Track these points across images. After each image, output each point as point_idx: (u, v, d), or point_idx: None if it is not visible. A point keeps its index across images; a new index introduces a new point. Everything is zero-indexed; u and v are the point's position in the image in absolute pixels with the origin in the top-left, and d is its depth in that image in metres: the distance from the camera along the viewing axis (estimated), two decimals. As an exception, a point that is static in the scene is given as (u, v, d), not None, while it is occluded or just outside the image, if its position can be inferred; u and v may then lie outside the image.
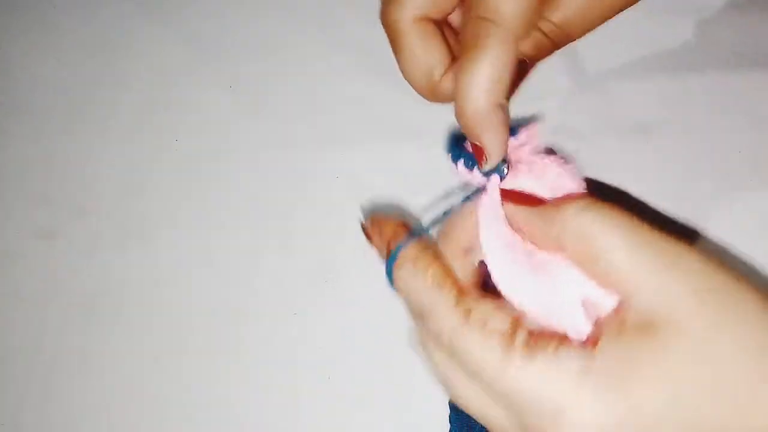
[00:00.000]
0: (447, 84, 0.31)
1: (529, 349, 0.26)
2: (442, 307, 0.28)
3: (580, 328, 0.27)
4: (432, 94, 0.32)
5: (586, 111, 0.43)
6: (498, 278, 0.29)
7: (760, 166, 0.41)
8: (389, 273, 0.31)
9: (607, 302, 0.27)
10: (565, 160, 0.31)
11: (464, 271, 0.30)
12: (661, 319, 0.25)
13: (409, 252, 0.30)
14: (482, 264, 0.30)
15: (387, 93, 0.45)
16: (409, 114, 0.44)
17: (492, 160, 0.30)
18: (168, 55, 0.47)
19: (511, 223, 0.30)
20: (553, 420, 0.25)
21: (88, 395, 0.41)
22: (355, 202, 0.43)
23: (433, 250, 0.30)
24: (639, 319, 0.25)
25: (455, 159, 0.32)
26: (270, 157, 0.44)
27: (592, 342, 0.26)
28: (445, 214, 0.31)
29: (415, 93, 0.42)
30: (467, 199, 0.31)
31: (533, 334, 0.27)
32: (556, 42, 0.30)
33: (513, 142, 0.31)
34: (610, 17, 0.31)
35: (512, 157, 0.31)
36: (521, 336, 0.26)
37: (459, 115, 0.29)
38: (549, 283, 0.28)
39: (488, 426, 0.29)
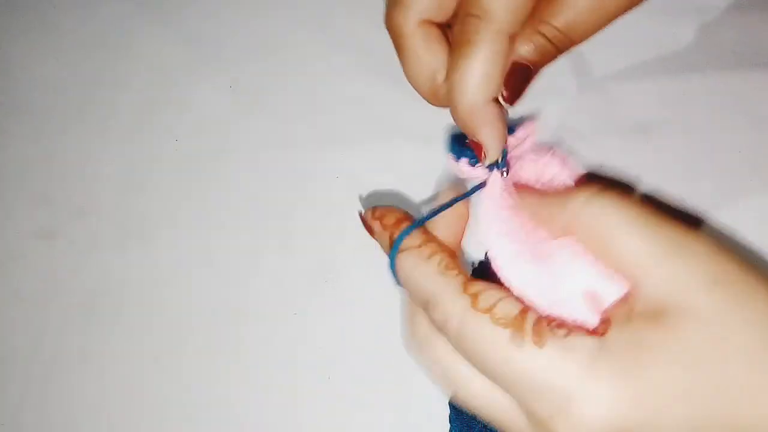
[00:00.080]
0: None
1: (538, 335, 0.26)
2: (449, 293, 0.28)
3: (584, 318, 0.27)
4: (435, 97, 0.32)
5: (587, 111, 0.43)
6: (501, 271, 0.29)
7: (760, 166, 0.41)
8: (392, 261, 0.31)
9: (614, 290, 0.27)
10: (565, 156, 0.31)
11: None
12: (670, 305, 0.25)
13: (413, 240, 0.30)
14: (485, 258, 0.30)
15: (387, 93, 0.45)
16: (409, 114, 0.44)
17: (491, 154, 0.30)
18: (168, 55, 0.47)
19: (519, 213, 0.30)
20: (561, 408, 0.25)
21: (88, 395, 0.41)
22: (355, 202, 0.43)
23: (436, 239, 0.30)
24: (648, 306, 0.25)
25: (457, 157, 0.32)
26: (270, 157, 0.44)
27: (601, 330, 0.26)
28: (445, 207, 0.31)
29: (416, 93, 0.42)
30: (470, 193, 0.31)
31: (542, 320, 0.26)
32: (559, 47, 0.30)
33: (512, 139, 0.31)
34: (613, 21, 0.30)
35: (513, 153, 0.31)
36: (530, 322, 0.26)
37: (454, 112, 0.30)
38: (553, 275, 0.28)
39: (493, 421, 0.29)
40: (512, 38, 0.30)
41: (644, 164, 0.41)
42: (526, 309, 0.27)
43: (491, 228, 0.29)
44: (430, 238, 0.30)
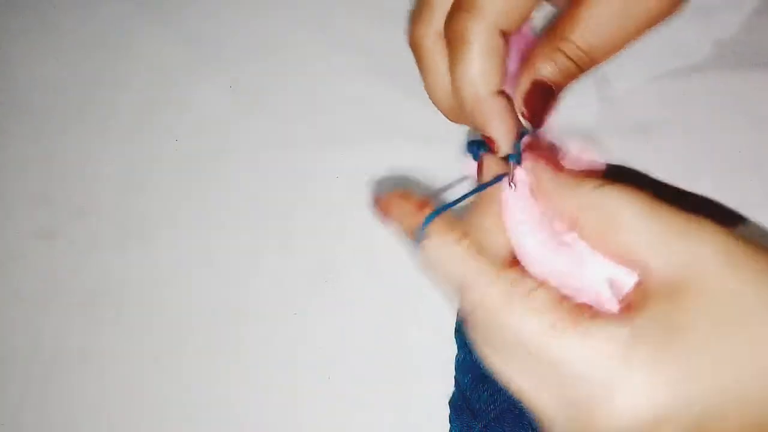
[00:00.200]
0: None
1: (577, 323, 0.25)
2: (484, 277, 0.28)
3: (608, 307, 0.27)
4: (454, 113, 0.32)
5: (587, 111, 0.43)
6: (526, 260, 0.29)
7: (760, 166, 0.41)
8: (418, 242, 0.30)
9: (627, 280, 0.27)
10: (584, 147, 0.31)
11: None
12: (685, 282, 0.25)
13: (441, 225, 0.29)
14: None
15: (387, 93, 0.45)
16: (409, 114, 0.44)
17: (502, 146, 0.30)
18: (168, 55, 0.47)
19: (538, 203, 0.30)
20: (600, 398, 0.25)
21: (88, 395, 0.41)
22: (355, 202, 0.43)
23: (462, 224, 0.30)
24: (664, 287, 0.25)
25: (475, 156, 0.32)
26: (270, 157, 0.44)
27: (626, 317, 0.26)
28: (466, 196, 0.31)
29: (416, 93, 0.42)
30: (490, 184, 0.31)
31: (580, 308, 0.26)
32: (581, 66, 0.30)
33: (526, 139, 0.31)
34: (635, 39, 0.30)
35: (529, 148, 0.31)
36: (569, 310, 0.26)
37: (462, 109, 0.30)
38: (576, 263, 0.28)
39: (531, 407, 0.28)
40: (505, 34, 0.30)
41: (644, 164, 0.41)
42: (563, 297, 0.27)
43: (515, 218, 0.29)
44: (454, 221, 0.30)
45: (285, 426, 0.40)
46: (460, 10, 0.29)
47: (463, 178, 0.34)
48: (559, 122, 0.43)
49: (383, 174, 0.43)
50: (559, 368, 0.26)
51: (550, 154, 0.30)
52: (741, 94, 0.42)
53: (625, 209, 0.26)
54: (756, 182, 0.41)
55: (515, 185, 0.30)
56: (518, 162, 0.31)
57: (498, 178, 0.31)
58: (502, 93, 0.30)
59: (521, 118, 0.30)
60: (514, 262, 0.30)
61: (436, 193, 0.39)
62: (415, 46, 0.32)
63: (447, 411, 0.38)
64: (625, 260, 0.27)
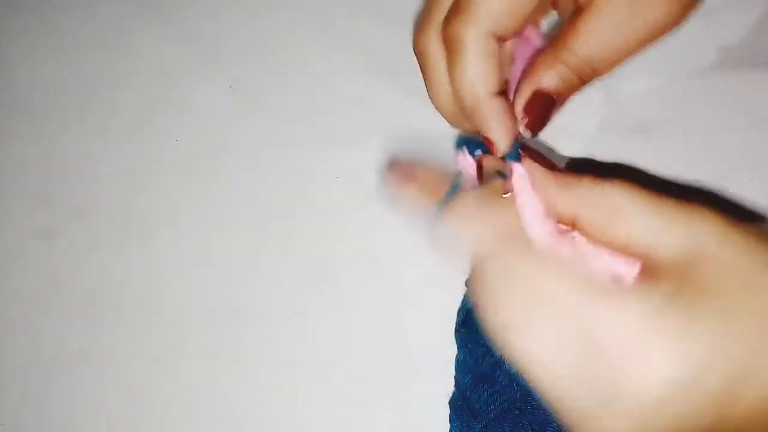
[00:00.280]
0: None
1: (612, 288, 0.26)
2: (519, 244, 0.28)
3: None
4: (456, 118, 0.32)
5: (587, 111, 0.43)
6: (538, 244, 0.29)
7: (760, 166, 0.41)
8: (438, 218, 0.30)
9: (630, 271, 0.27)
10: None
11: None
12: (692, 262, 0.25)
13: (467, 196, 0.30)
14: None
15: (387, 93, 0.45)
16: (409, 114, 0.44)
17: (501, 146, 0.31)
18: (168, 55, 0.47)
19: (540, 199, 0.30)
20: (639, 360, 0.25)
21: (88, 395, 0.41)
22: (355, 202, 0.43)
23: (483, 192, 0.30)
24: (673, 267, 0.26)
25: (472, 151, 0.32)
26: (270, 157, 0.44)
27: (650, 286, 0.26)
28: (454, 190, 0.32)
29: (416, 93, 0.42)
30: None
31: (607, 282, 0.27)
32: (583, 78, 0.30)
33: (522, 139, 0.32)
34: (637, 52, 0.30)
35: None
36: (601, 280, 0.26)
37: (462, 111, 0.31)
38: (582, 253, 0.28)
39: (538, 376, 0.28)
40: (500, 39, 0.30)
41: (644, 164, 0.41)
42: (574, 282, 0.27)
43: (527, 209, 0.29)
44: (473, 192, 0.30)
45: (285, 426, 0.40)
46: (455, 14, 0.30)
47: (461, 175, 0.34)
48: (559, 122, 0.43)
49: (383, 174, 0.43)
50: (591, 333, 0.26)
51: (544, 157, 0.30)
52: (741, 94, 0.42)
53: (624, 203, 0.27)
54: (756, 182, 0.41)
55: (514, 183, 0.30)
56: (517, 160, 0.31)
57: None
58: (500, 94, 0.30)
59: (521, 126, 0.31)
60: None
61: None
62: (417, 51, 0.32)
63: (447, 411, 0.38)
64: (628, 252, 0.27)
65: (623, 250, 0.27)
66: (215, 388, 0.41)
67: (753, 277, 0.25)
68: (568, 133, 0.43)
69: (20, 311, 0.42)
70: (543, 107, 0.30)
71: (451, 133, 0.44)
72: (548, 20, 0.33)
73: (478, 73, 0.30)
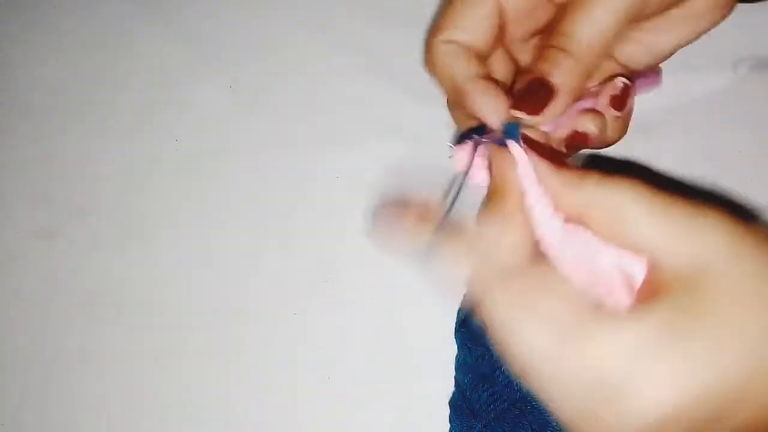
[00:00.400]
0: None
1: (588, 324, 0.26)
2: (495, 285, 0.28)
3: (619, 295, 0.27)
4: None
5: (586, 111, 0.43)
6: (547, 239, 0.29)
7: (760, 166, 0.41)
8: (427, 256, 0.30)
9: (638, 270, 0.27)
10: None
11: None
12: (695, 276, 0.25)
13: (450, 233, 0.30)
14: None
15: (387, 93, 0.45)
16: (409, 114, 0.44)
17: (491, 118, 0.32)
18: (168, 55, 0.47)
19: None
20: (624, 391, 0.25)
21: (88, 395, 0.41)
22: (355, 202, 0.43)
23: (470, 227, 0.30)
24: (673, 281, 0.26)
25: (468, 137, 0.32)
26: (270, 157, 0.44)
27: (641, 310, 0.26)
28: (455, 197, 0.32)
29: (416, 93, 0.43)
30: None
31: (592, 307, 0.26)
32: (581, 60, 0.32)
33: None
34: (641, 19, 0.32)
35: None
36: (579, 310, 0.26)
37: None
38: (589, 251, 0.28)
39: (548, 406, 0.28)
40: (471, 49, 0.34)
41: (644, 164, 0.41)
42: (575, 299, 0.27)
43: (535, 207, 0.29)
44: (461, 226, 0.30)
45: (285, 426, 0.40)
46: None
47: (460, 177, 0.33)
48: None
49: (383, 174, 0.43)
50: (573, 374, 0.26)
51: (550, 152, 0.30)
52: (741, 94, 0.42)
53: (630, 205, 0.27)
54: (756, 183, 0.41)
55: (521, 179, 0.30)
56: (516, 136, 0.31)
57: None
58: (487, 79, 0.32)
59: (519, 113, 0.31)
60: (527, 261, 0.30)
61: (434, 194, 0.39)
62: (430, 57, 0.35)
63: (447, 411, 0.38)
64: (641, 253, 0.27)
65: (639, 251, 0.27)
66: (215, 388, 0.41)
67: (757, 295, 0.25)
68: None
69: (20, 311, 0.42)
70: (536, 90, 0.31)
71: (448, 130, 0.44)
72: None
73: (443, 55, 0.33)
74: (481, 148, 0.32)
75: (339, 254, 0.42)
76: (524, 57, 0.36)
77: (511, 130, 0.31)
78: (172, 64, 0.47)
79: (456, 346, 0.39)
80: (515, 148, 0.30)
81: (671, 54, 0.35)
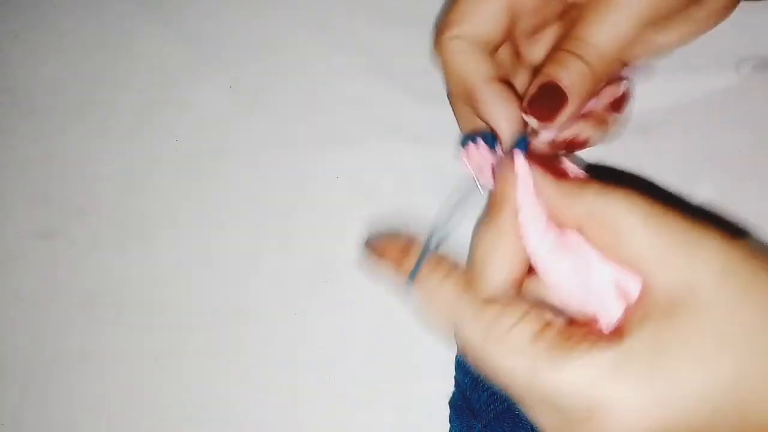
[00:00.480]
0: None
1: (557, 353, 0.26)
2: (468, 318, 0.28)
3: (612, 311, 0.27)
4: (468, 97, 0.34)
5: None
6: (540, 264, 0.29)
7: (760, 166, 0.41)
8: (409, 289, 0.31)
9: (633, 286, 0.27)
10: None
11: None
12: (682, 300, 0.25)
13: (428, 265, 0.30)
14: None
15: (387, 93, 0.45)
16: (409, 114, 0.44)
17: (502, 133, 0.32)
18: (168, 55, 0.47)
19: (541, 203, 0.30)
20: (587, 421, 0.25)
21: (88, 395, 0.41)
22: (355, 202, 0.43)
23: (448, 260, 0.30)
24: (660, 302, 0.26)
25: (473, 140, 0.32)
26: (270, 157, 0.44)
27: (618, 332, 0.26)
28: (446, 231, 0.32)
29: (416, 93, 0.43)
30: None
31: (560, 336, 0.27)
32: (595, 68, 0.32)
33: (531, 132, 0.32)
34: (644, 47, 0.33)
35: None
36: (548, 340, 0.26)
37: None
38: (583, 266, 0.28)
39: (537, 423, 0.29)
40: (484, 45, 0.33)
41: (644, 164, 0.41)
42: (542, 328, 0.27)
43: (528, 223, 0.29)
44: (440, 259, 0.30)
45: (285, 426, 0.40)
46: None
47: (463, 180, 0.34)
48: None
49: (383, 174, 0.43)
50: (546, 398, 0.26)
51: (550, 163, 0.30)
52: (741, 94, 0.42)
53: (627, 218, 0.26)
54: (756, 183, 0.41)
55: (518, 175, 0.30)
56: (525, 149, 0.31)
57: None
58: (500, 81, 0.31)
59: (529, 119, 0.31)
60: (521, 277, 0.31)
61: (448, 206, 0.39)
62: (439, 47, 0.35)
63: (447, 411, 0.38)
64: (634, 267, 0.27)
65: (631, 265, 0.27)
66: (215, 388, 0.41)
67: (738, 326, 0.25)
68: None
69: (20, 311, 0.42)
70: (548, 95, 0.30)
71: (450, 130, 0.44)
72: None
73: (463, 62, 0.32)
74: (488, 153, 0.32)
75: (339, 254, 0.42)
76: (529, 51, 0.36)
77: (520, 143, 0.31)
78: (172, 64, 0.47)
79: (456, 347, 0.39)
80: (519, 160, 0.30)
81: (670, 52, 0.35)
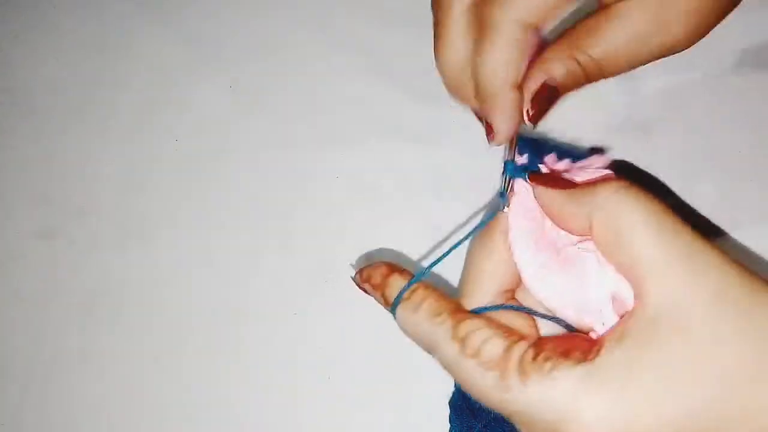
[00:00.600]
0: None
1: (522, 374, 0.27)
2: (441, 339, 0.29)
3: (609, 322, 0.27)
4: (457, 89, 0.32)
5: (587, 111, 0.43)
6: (529, 283, 0.30)
7: (760, 166, 0.41)
8: (395, 316, 0.32)
9: (631, 296, 0.27)
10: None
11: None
12: (670, 319, 0.25)
13: (407, 291, 0.31)
14: None
15: (387, 93, 0.45)
16: (409, 114, 0.44)
17: (499, 137, 0.31)
18: (168, 55, 0.47)
19: (544, 220, 0.30)
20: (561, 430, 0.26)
21: (88, 395, 0.41)
22: (355, 202, 0.43)
23: (425, 284, 0.31)
24: (647, 319, 0.26)
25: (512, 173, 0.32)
26: (270, 157, 0.44)
27: (592, 354, 0.26)
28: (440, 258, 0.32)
29: (416, 93, 0.42)
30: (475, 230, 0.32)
31: (528, 354, 0.27)
32: (589, 76, 0.31)
33: (571, 163, 0.31)
34: (647, 62, 0.31)
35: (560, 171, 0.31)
36: (515, 360, 0.27)
37: (476, 93, 0.31)
38: (579, 281, 0.28)
39: None
40: (533, 28, 0.30)
41: (644, 164, 0.41)
42: (511, 345, 0.28)
43: (518, 244, 0.30)
44: (416, 285, 0.31)
45: (285, 426, 0.40)
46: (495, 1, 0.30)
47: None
48: (559, 123, 0.43)
49: (383, 174, 0.43)
50: (514, 416, 0.27)
51: (557, 177, 0.30)
52: (741, 94, 0.42)
53: (631, 219, 0.26)
54: (756, 183, 0.41)
55: (520, 204, 0.30)
56: (513, 172, 0.31)
57: (480, 226, 0.32)
58: (518, 87, 0.31)
59: (525, 117, 0.31)
60: (513, 288, 0.31)
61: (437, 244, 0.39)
62: (440, 10, 0.32)
63: (447, 411, 0.38)
64: (629, 272, 0.27)
65: (626, 269, 0.27)
66: (215, 388, 0.41)
67: (721, 356, 0.25)
68: (570, 133, 0.42)
69: (20, 311, 0.42)
70: (547, 99, 0.30)
71: (450, 130, 0.44)
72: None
73: (504, 61, 0.30)
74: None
75: (339, 254, 0.42)
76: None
77: (509, 167, 0.31)
78: (172, 64, 0.47)
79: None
80: (519, 183, 0.30)
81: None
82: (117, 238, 0.43)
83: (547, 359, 0.26)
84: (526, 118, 0.31)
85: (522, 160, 0.32)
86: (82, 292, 0.43)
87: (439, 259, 0.32)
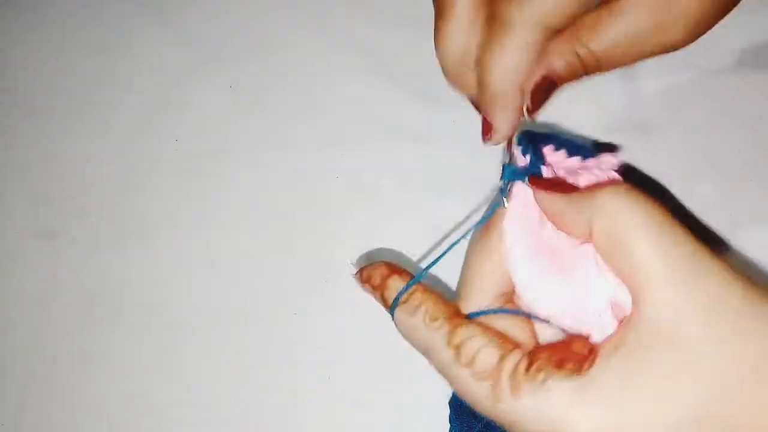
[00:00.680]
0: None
1: (515, 386, 0.27)
2: (437, 345, 0.29)
3: (607, 329, 0.27)
4: (456, 78, 0.32)
5: (587, 111, 0.43)
6: (524, 292, 0.29)
7: (760, 166, 0.41)
8: (393, 318, 0.31)
9: (629, 303, 0.27)
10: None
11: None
12: (664, 333, 0.25)
13: (405, 295, 0.31)
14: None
15: (387, 93, 0.45)
16: (409, 114, 0.44)
17: (497, 136, 0.31)
18: (168, 55, 0.47)
19: (543, 226, 0.30)
20: None
21: (88, 395, 0.41)
22: (355, 202, 0.43)
23: (424, 286, 0.31)
24: (644, 329, 0.25)
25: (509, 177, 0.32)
26: (270, 157, 0.44)
27: (586, 365, 0.26)
28: (479, 222, 0.32)
29: (416, 93, 0.42)
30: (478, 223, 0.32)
31: (521, 365, 0.27)
32: (587, 69, 0.31)
33: (579, 161, 0.31)
34: (646, 58, 0.31)
35: (567, 171, 0.31)
36: (507, 371, 0.27)
37: (478, 87, 0.31)
38: (578, 288, 0.28)
39: None
40: (550, 32, 0.30)
41: (644, 164, 0.41)
42: (506, 354, 0.28)
43: (513, 251, 0.30)
44: (415, 288, 0.31)
45: (285, 426, 0.40)
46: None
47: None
48: (559, 123, 0.43)
49: (383, 174, 0.43)
50: (506, 425, 0.27)
51: (560, 182, 0.30)
52: (741, 94, 0.42)
53: (636, 225, 0.26)
54: (756, 183, 0.41)
55: (516, 209, 0.30)
56: (510, 177, 0.31)
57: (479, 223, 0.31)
58: (521, 92, 0.31)
59: (524, 110, 0.31)
60: (510, 291, 0.31)
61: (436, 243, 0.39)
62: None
63: (447, 411, 0.38)
64: (628, 279, 0.27)
65: (625, 275, 0.27)
66: (215, 388, 0.41)
67: (720, 372, 0.25)
68: (569, 133, 0.43)
69: (20, 311, 0.42)
70: (546, 90, 0.30)
71: (450, 130, 0.44)
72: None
73: (515, 64, 0.30)
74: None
75: (339, 254, 0.42)
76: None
77: (507, 171, 0.31)
78: (172, 64, 0.47)
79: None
80: (518, 186, 0.30)
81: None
82: (117, 238, 0.43)
83: (540, 370, 0.26)
84: (525, 111, 0.31)
85: (524, 161, 0.31)
86: (82, 292, 0.43)
87: (437, 260, 0.32)
